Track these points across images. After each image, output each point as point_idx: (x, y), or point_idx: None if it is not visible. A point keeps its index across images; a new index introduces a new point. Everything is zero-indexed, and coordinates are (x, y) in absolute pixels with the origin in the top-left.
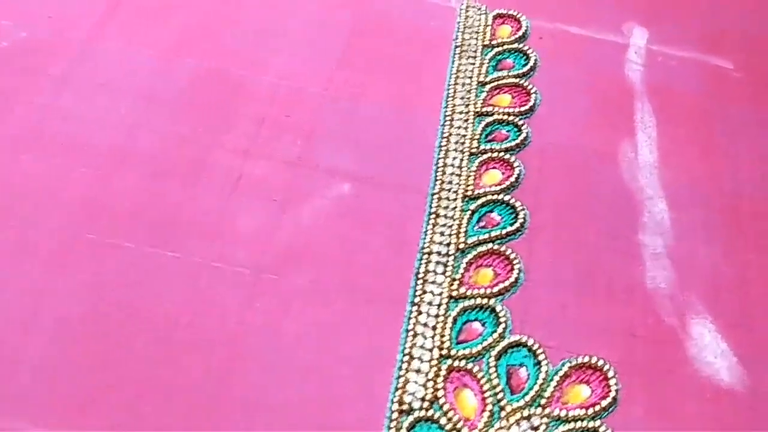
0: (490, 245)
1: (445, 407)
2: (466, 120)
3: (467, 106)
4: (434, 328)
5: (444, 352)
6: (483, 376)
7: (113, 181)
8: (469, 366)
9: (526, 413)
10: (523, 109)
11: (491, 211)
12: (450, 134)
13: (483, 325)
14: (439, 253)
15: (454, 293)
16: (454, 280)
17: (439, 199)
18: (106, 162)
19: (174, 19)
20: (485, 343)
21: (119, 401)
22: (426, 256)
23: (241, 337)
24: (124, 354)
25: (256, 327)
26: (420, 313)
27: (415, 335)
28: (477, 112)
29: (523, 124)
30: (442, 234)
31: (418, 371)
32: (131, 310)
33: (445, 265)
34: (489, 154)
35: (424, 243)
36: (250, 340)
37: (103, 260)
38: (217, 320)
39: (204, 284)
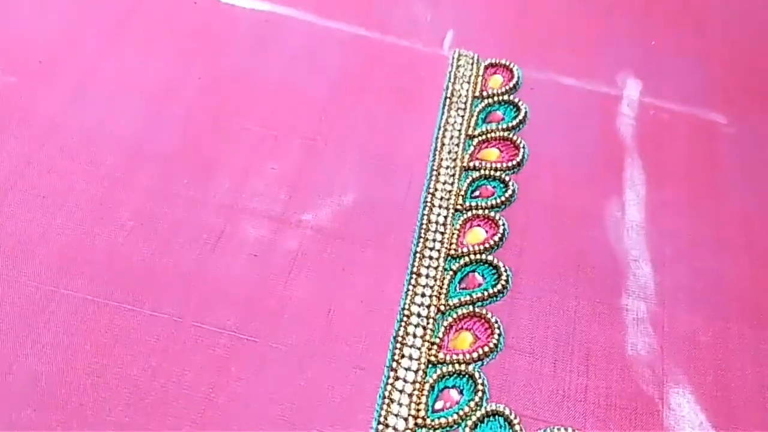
0: (471, 307)
1: None
2: (453, 175)
3: (454, 160)
4: (410, 395)
5: (419, 421)
6: None
7: (92, 237)
8: None
9: None
10: (510, 164)
11: (473, 272)
12: (436, 189)
13: (460, 392)
14: (418, 315)
15: (433, 358)
16: (433, 344)
17: (422, 257)
18: (86, 217)
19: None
20: (462, 412)
21: None
22: (405, 318)
23: (213, 402)
24: (93, 417)
25: (230, 391)
26: (397, 378)
27: (390, 402)
28: (464, 167)
29: (509, 180)
30: (423, 295)
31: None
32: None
33: (425, 328)
34: (474, 212)
35: (405, 304)
36: (222, 405)
37: (78, 315)
38: (191, 384)
39: (180, 345)
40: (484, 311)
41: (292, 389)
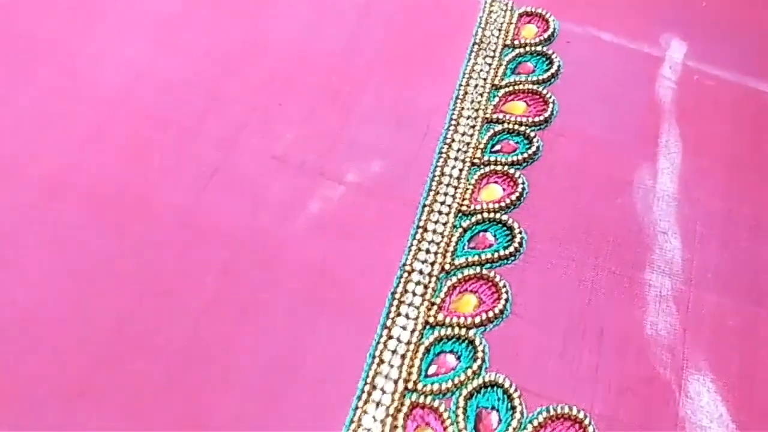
0: (478, 269)
1: None
2: (473, 126)
3: (477, 111)
4: (403, 356)
5: (410, 385)
6: (449, 417)
7: (85, 159)
8: (436, 404)
9: None
10: (537, 119)
11: (485, 231)
12: (453, 140)
13: (458, 358)
14: (420, 272)
15: (431, 319)
16: (432, 304)
17: (430, 211)
18: (81, 140)
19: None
20: (457, 380)
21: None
22: (406, 275)
23: (197, 340)
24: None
25: (214, 332)
26: (390, 338)
27: (380, 362)
28: (486, 118)
29: (534, 137)
30: (427, 251)
31: (378, 404)
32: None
33: (426, 287)
34: (492, 167)
35: (407, 259)
36: (205, 345)
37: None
38: (176, 323)
39: (166, 285)
40: (492, 274)
41: (278, 337)
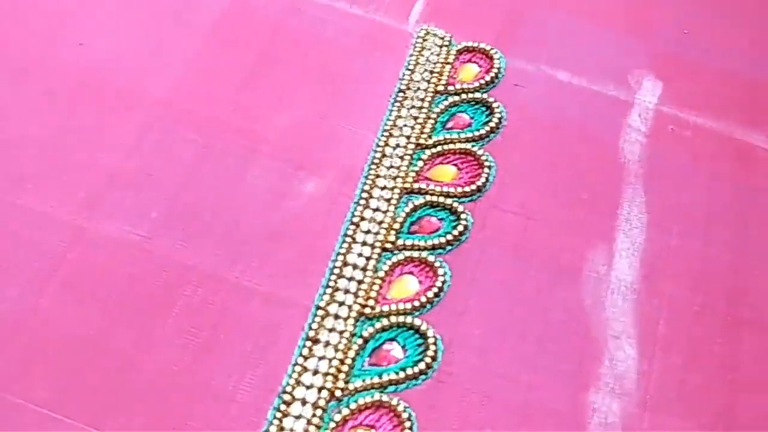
0: (377, 393)
1: None
2: (389, 200)
3: (395, 179)
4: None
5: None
6: None
7: None
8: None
9: None
10: (468, 188)
11: (392, 340)
12: (362, 219)
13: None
14: (303, 401)
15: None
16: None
17: (325, 315)
18: None
19: None
20: None
21: None
22: (284, 407)
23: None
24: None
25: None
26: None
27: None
28: (406, 188)
29: (462, 212)
30: (316, 372)
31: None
32: None
33: (308, 422)
34: (408, 253)
35: (287, 384)
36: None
37: None
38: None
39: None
40: (393, 401)
41: (200, 318)
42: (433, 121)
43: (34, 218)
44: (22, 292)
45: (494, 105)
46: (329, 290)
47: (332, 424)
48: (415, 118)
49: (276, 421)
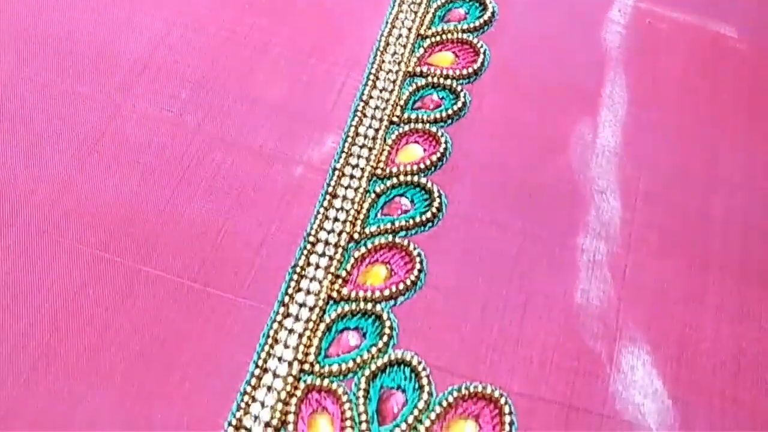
0: (390, 237)
1: None
2: (394, 81)
3: (398, 63)
4: (301, 335)
5: (306, 366)
6: (348, 400)
7: None
8: (334, 386)
9: None
10: (465, 71)
11: (401, 196)
12: (370, 97)
13: (362, 335)
14: (326, 243)
15: (335, 294)
16: (337, 277)
17: (341, 176)
18: None
19: None
20: (359, 359)
21: None
22: (309, 246)
23: (62, 328)
24: None
25: (88, 316)
26: (288, 315)
27: (274, 343)
28: (409, 72)
29: (461, 91)
30: (335, 220)
31: (269, 388)
32: None
33: (331, 258)
34: (412, 125)
35: (311, 229)
36: (75, 332)
37: None
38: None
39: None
40: (405, 242)
41: (160, 321)
42: (431, 15)
43: (75, 99)
44: (68, 161)
45: (487, 1)
46: (344, 155)
47: (352, 260)
48: (415, 12)
49: (303, 258)
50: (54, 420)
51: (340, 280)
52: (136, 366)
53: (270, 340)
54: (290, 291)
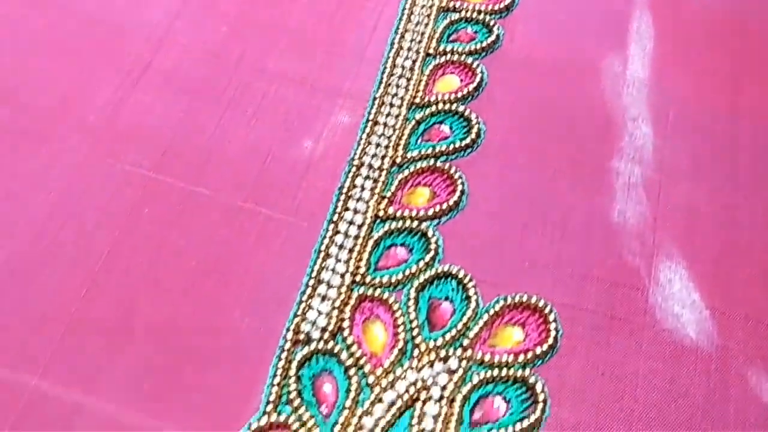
0: (432, 161)
1: (349, 340)
2: (428, 15)
3: (430, 7)
4: (351, 250)
5: (358, 278)
6: (399, 309)
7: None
8: (385, 296)
9: (443, 353)
10: (497, 6)
11: (440, 123)
12: (406, 30)
13: (409, 251)
14: (370, 167)
15: (381, 213)
16: (383, 198)
17: (381, 104)
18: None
19: None
20: (408, 272)
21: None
22: (354, 170)
23: (121, 245)
24: None
25: (142, 234)
26: (337, 232)
27: (326, 257)
28: (442, 7)
29: (494, 25)
30: (377, 145)
31: (323, 298)
32: None
33: (375, 181)
34: (448, 57)
35: (355, 154)
36: (130, 249)
37: None
38: (99, 227)
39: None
40: (446, 166)
41: (214, 240)
42: None
43: (121, 32)
44: (117, 89)
45: None
46: (383, 85)
47: (396, 183)
48: None
49: (349, 180)
50: (116, 326)
51: (385, 201)
52: (193, 280)
53: (322, 254)
54: (338, 210)
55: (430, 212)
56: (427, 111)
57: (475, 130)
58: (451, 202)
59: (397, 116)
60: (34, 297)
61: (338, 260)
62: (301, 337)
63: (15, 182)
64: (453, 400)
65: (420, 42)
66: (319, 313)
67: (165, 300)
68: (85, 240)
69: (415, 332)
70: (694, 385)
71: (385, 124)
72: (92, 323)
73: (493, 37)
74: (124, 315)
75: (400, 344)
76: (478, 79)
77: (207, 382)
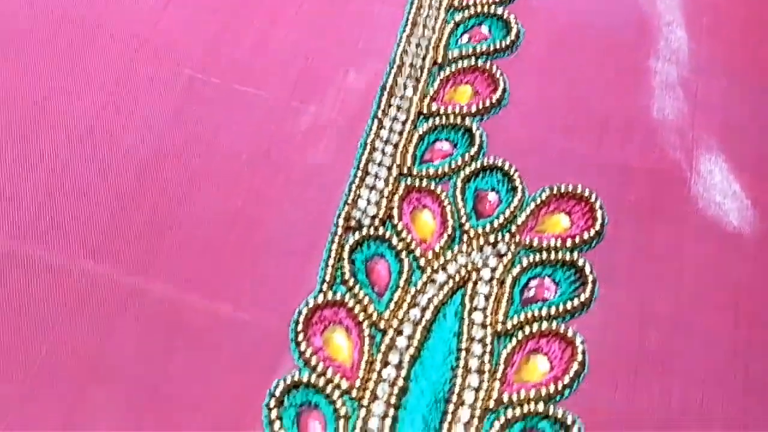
0: (473, 61)
1: (399, 226)
2: None
3: None
4: (396, 145)
5: (404, 170)
6: (446, 198)
7: None
8: (432, 186)
9: (491, 239)
10: None
11: (480, 24)
12: None
13: (454, 145)
14: (412, 66)
15: (425, 110)
16: (425, 95)
17: (420, 6)
18: None
19: None
20: (454, 164)
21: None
22: (396, 69)
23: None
24: None
25: (186, 132)
26: (382, 127)
27: (373, 150)
28: None
29: None
30: (418, 45)
31: (372, 188)
32: None
33: (417, 80)
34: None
35: (396, 53)
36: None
37: None
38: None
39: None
40: (487, 65)
41: (261, 133)
42: None
43: None
44: (155, 3)
45: None
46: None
47: (438, 81)
48: None
49: (391, 79)
50: (166, 214)
51: (428, 98)
52: (243, 174)
53: (368, 148)
54: (382, 107)
55: (473, 109)
56: (467, 13)
57: (514, 31)
58: (493, 99)
59: (436, 18)
60: (91, 180)
61: (384, 154)
62: (352, 223)
63: (70, 79)
64: (503, 282)
65: None
66: (368, 202)
67: (215, 194)
68: (134, 135)
69: (463, 219)
70: (737, 269)
71: (424, 26)
72: (144, 211)
73: None
74: (176, 205)
75: (449, 230)
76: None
77: (262, 271)
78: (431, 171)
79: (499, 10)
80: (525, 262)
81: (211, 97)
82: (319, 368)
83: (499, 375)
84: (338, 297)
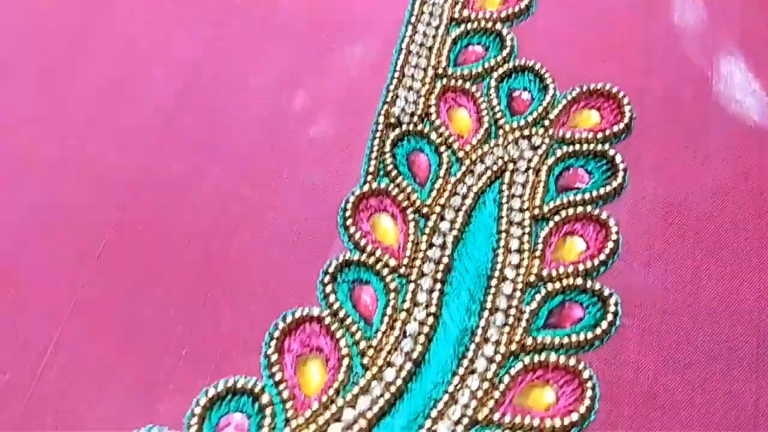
0: None
1: (437, 122)
2: None
3: None
4: (430, 48)
5: (440, 71)
6: (481, 97)
7: None
8: (467, 86)
9: (526, 132)
10: None
11: None
12: None
13: (486, 49)
14: None
15: (456, 15)
16: (456, 2)
17: None
18: None
19: None
20: (487, 65)
21: None
22: None
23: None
24: None
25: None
26: (416, 32)
27: (408, 54)
28: None
29: None
30: None
31: (409, 88)
32: None
33: None
34: None
35: None
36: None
37: None
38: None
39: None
40: None
41: (298, 47)
42: None
43: None
44: None
45: None
46: None
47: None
48: None
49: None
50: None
51: (459, 5)
52: (276, 88)
53: (404, 52)
54: (415, 12)
55: (503, 14)
56: None
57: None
58: (522, 6)
59: None
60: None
61: (419, 56)
62: (392, 120)
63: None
64: (539, 171)
65: None
66: (406, 101)
67: (250, 109)
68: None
69: (498, 116)
70: (759, 160)
71: None
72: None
73: None
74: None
75: (485, 125)
76: None
77: (301, 172)
78: (465, 72)
79: None
80: (559, 153)
81: (244, 30)
82: (368, 249)
83: (538, 254)
84: (382, 187)
